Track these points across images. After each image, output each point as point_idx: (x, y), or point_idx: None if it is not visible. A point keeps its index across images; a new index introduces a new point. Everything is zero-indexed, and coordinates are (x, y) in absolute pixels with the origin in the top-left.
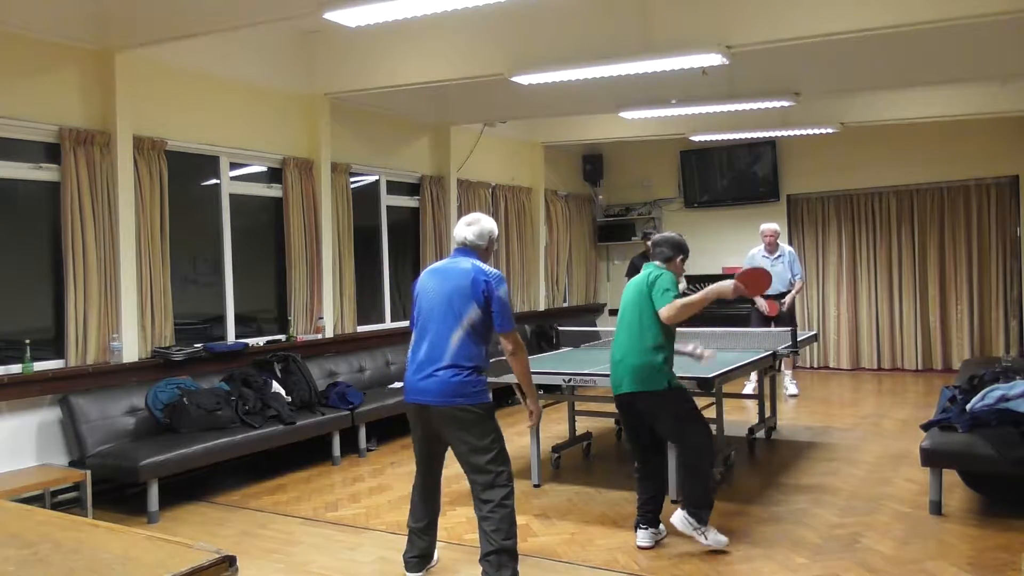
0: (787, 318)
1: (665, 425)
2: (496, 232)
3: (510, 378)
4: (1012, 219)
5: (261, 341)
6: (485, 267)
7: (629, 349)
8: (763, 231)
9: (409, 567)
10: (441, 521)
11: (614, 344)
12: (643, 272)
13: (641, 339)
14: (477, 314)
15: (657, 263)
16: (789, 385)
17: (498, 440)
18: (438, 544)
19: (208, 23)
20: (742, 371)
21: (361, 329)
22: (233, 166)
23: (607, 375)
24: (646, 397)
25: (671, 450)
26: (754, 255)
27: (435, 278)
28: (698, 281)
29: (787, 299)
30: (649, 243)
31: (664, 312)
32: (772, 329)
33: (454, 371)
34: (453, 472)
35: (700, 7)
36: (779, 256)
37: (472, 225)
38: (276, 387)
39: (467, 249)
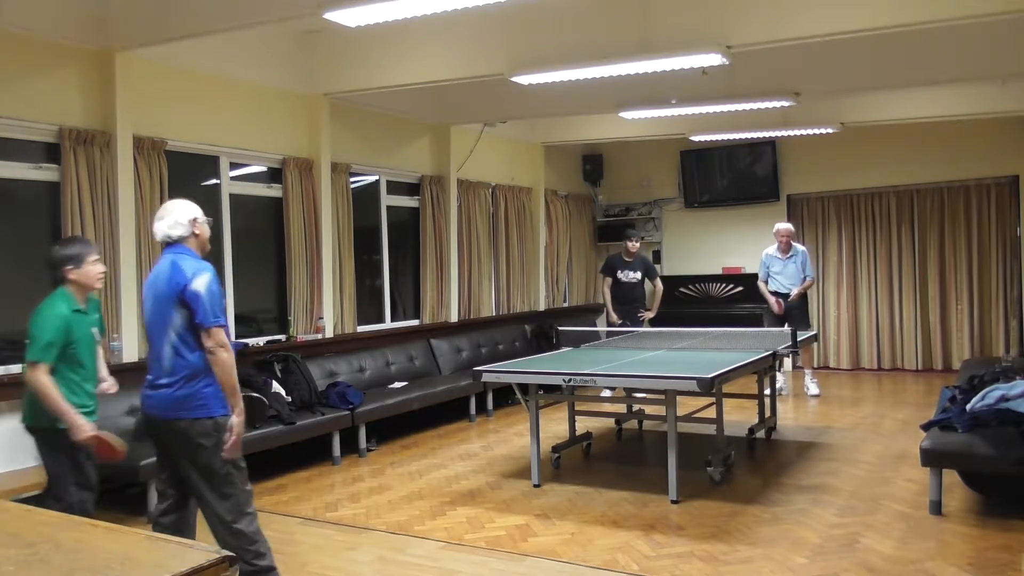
0: (798, 316)
1: None
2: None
3: (509, 377)
4: (1012, 219)
5: (261, 341)
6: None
7: None
8: (777, 230)
9: None
10: (441, 521)
11: None
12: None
13: None
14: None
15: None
16: (810, 385)
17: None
18: (436, 544)
19: (208, 23)
20: (742, 371)
21: (361, 329)
22: (233, 166)
23: (607, 375)
24: None
25: None
26: (768, 255)
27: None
28: (698, 281)
29: (792, 294)
30: (631, 243)
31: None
32: (773, 329)
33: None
34: (452, 472)
35: (700, 7)
36: (792, 256)
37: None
38: (276, 387)
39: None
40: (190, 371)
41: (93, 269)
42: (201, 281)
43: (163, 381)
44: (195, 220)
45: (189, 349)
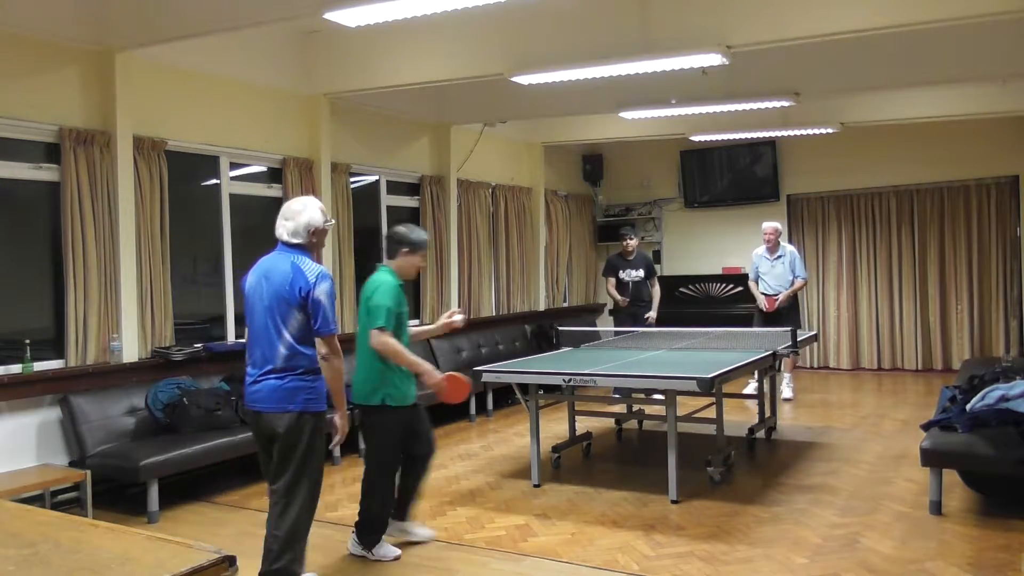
0: (789, 317)
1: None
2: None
3: (509, 377)
4: (1012, 219)
5: None
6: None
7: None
8: (763, 229)
9: None
10: (441, 521)
11: None
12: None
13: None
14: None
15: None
16: (784, 388)
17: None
18: (437, 544)
19: (208, 23)
20: (742, 371)
21: None
22: (233, 166)
23: (607, 375)
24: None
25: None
26: (757, 255)
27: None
28: (698, 281)
29: (781, 296)
30: (628, 242)
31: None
32: (773, 329)
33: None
34: (452, 472)
35: (700, 7)
36: (780, 256)
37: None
38: None
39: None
40: (307, 366)
41: (420, 262)
42: (323, 289)
43: (274, 375)
44: (315, 231)
45: (307, 346)
